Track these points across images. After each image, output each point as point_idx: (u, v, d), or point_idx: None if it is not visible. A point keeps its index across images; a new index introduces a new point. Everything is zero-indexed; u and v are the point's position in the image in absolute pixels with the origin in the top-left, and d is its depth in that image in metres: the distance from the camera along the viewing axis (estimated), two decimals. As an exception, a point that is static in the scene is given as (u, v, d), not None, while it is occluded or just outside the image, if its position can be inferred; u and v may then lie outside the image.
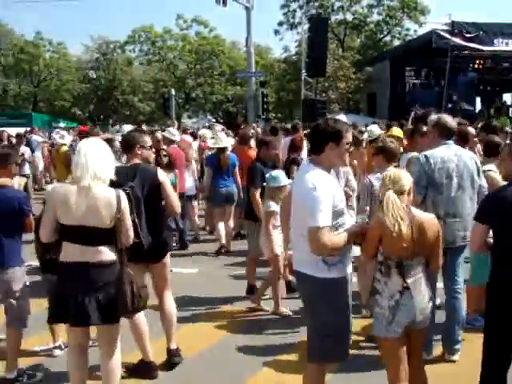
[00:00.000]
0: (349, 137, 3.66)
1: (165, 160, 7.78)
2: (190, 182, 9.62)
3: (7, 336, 4.82)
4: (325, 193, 3.47)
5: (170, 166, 7.89)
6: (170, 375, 4.87)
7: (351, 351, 4.99)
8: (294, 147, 9.23)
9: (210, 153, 10.39)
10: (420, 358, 3.80)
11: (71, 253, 3.93)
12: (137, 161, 4.80)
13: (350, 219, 3.86)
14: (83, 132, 14.03)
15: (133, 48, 51.05)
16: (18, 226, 4.82)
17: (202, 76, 48.93)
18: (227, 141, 9.76)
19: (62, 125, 33.27)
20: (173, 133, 10.13)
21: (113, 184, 4.04)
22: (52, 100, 50.79)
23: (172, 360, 4.97)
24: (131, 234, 4.06)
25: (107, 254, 3.94)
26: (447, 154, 4.88)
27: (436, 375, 4.06)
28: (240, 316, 6.35)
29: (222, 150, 9.22)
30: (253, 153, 10.51)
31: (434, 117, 5.15)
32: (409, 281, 3.53)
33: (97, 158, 3.94)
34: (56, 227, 3.97)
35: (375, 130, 9.45)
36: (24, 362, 4.91)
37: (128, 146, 4.88)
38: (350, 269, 3.74)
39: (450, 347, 4.97)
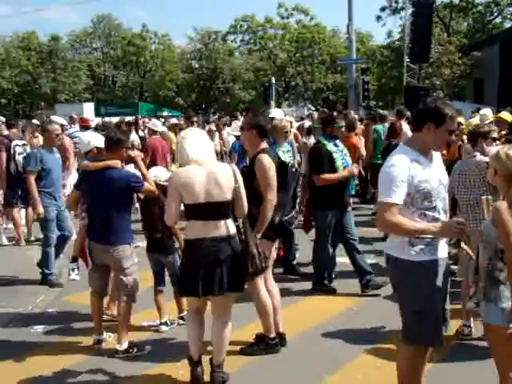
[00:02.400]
0: (451, 125, 3.51)
1: None
2: None
3: (117, 310, 5.10)
4: (400, 171, 3.40)
5: None
6: (271, 354, 4.97)
7: (454, 342, 4.97)
8: (393, 132, 9.09)
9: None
10: None
11: (197, 229, 4.17)
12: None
13: (445, 204, 3.69)
14: (85, 123, 13.87)
15: (234, 38, 51.93)
16: (128, 205, 5.11)
17: (302, 64, 48.88)
18: None
19: (165, 113, 34.36)
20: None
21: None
22: (157, 90, 52.61)
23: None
24: (246, 205, 4.31)
25: (230, 227, 4.21)
26: None
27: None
28: (342, 301, 6.35)
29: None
30: (357, 140, 10.46)
31: None
32: None
33: (200, 141, 4.28)
34: (180, 209, 4.21)
35: (489, 113, 9.03)
36: (133, 336, 5.17)
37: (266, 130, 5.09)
38: (442, 253, 3.59)
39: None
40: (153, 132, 10.70)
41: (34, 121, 10.41)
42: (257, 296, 4.92)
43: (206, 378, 4.41)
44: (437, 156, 3.69)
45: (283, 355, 4.94)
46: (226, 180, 4.15)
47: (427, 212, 3.50)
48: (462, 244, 4.05)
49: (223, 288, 4.15)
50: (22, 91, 49.82)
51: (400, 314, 3.70)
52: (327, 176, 6.26)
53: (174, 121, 15.01)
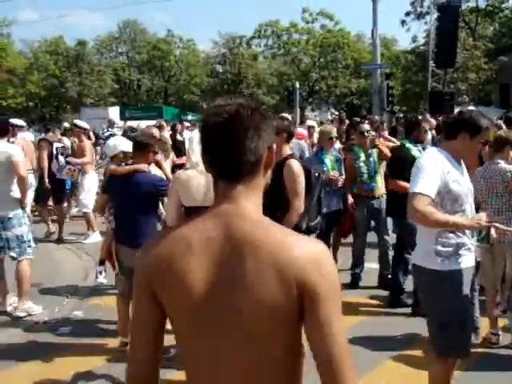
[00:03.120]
0: (485, 136, 3.57)
1: None
2: None
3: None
4: (432, 165, 3.41)
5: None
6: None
7: (482, 349, 4.92)
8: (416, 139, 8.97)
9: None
10: None
11: None
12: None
13: (472, 210, 3.66)
14: None
15: (258, 43, 52.13)
16: (155, 208, 5.14)
17: (326, 69, 48.83)
18: None
19: (189, 117, 34.47)
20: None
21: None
22: (181, 94, 52.98)
23: None
24: None
25: None
26: None
27: None
28: (366, 307, 6.33)
29: None
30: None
31: None
32: None
33: None
34: (180, 211, 4.22)
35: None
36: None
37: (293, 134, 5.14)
38: (469, 262, 3.56)
39: None
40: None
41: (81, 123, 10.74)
42: None
43: None
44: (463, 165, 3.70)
45: (306, 359, 4.92)
46: None
47: (456, 215, 3.48)
48: (492, 231, 3.93)
49: None
50: (49, 95, 50.58)
51: (426, 324, 3.69)
52: (404, 184, 5.55)
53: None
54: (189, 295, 1.48)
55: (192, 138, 4.31)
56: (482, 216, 3.46)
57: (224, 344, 1.47)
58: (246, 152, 1.52)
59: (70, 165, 9.83)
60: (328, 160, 6.45)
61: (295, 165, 4.73)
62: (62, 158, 9.79)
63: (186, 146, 11.66)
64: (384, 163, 6.78)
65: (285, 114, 7.69)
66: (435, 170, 3.39)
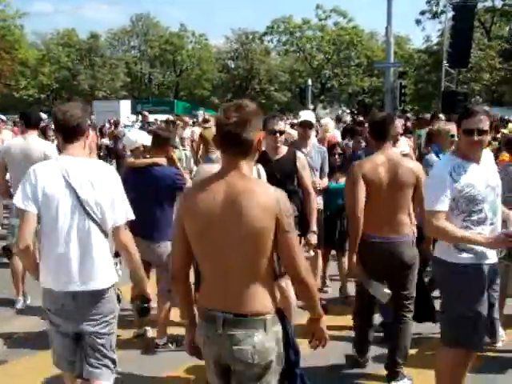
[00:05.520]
0: (467, 124, 3.49)
1: None
2: None
3: (158, 305, 5.17)
4: (441, 178, 3.48)
5: None
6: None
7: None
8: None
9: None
10: None
11: None
12: None
13: (495, 206, 3.60)
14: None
15: (271, 39, 52.03)
16: (171, 201, 5.15)
17: (339, 67, 48.69)
18: None
19: (200, 112, 34.38)
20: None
21: None
22: (192, 89, 53.02)
23: None
24: None
25: None
26: None
27: None
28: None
29: None
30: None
31: None
32: None
33: None
34: None
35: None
36: (172, 331, 5.22)
37: None
38: (489, 259, 3.56)
39: None
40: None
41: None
42: None
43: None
44: (487, 158, 3.69)
45: (316, 359, 4.92)
46: None
47: (472, 215, 3.51)
48: None
49: None
50: (61, 87, 50.78)
51: (439, 314, 3.74)
52: None
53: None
54: None
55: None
56: (501, 236, 3.42)
57: None
58: None
59: None
60: None
61: (304, 157, 5.13)
62: None
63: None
64: None
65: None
66: (445, 183, 3.45)
